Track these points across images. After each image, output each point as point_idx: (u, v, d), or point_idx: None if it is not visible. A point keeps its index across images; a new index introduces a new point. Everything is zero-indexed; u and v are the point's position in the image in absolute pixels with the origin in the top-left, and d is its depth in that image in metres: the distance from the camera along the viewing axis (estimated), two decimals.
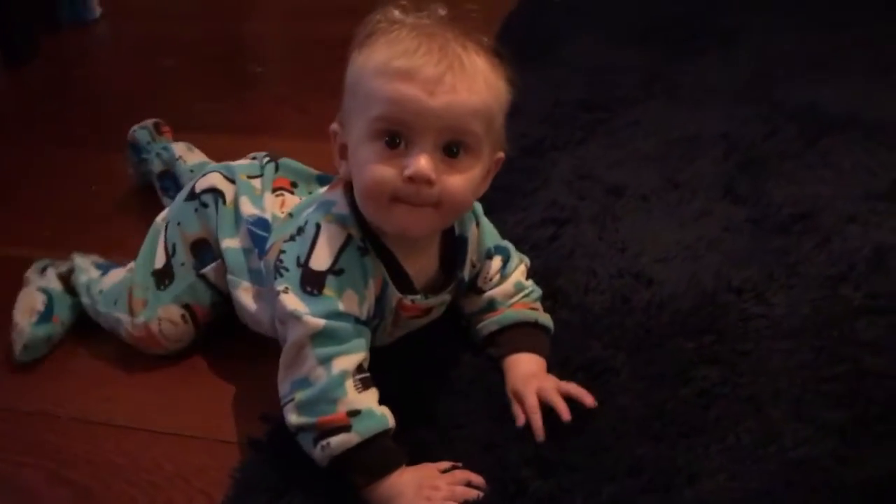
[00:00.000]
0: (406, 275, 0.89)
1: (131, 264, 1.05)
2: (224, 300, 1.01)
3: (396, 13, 0.84)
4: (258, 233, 0.96)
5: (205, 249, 1.00)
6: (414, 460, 0.84)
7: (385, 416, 0.83)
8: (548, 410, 0.87)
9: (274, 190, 1.02)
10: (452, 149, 0.80)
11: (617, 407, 0.91)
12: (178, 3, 2.24)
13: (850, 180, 1.27)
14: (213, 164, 1.09)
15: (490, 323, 0.97)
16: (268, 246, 0.93)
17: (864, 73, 1.58)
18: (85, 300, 1.06)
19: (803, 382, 0.92)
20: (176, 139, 1.32)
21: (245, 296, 0.97)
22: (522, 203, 1.24)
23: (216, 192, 1.01)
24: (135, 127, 1.31)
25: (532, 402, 0.88)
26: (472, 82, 0.80)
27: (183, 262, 1.01)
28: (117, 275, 1.06)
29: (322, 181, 1.04)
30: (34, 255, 1.16)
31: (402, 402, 0.89)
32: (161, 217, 1.06)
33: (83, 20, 2.07)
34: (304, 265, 0.84)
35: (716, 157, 1.34)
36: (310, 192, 1.03)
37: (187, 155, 1.24)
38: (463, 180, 0.81)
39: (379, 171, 0.80)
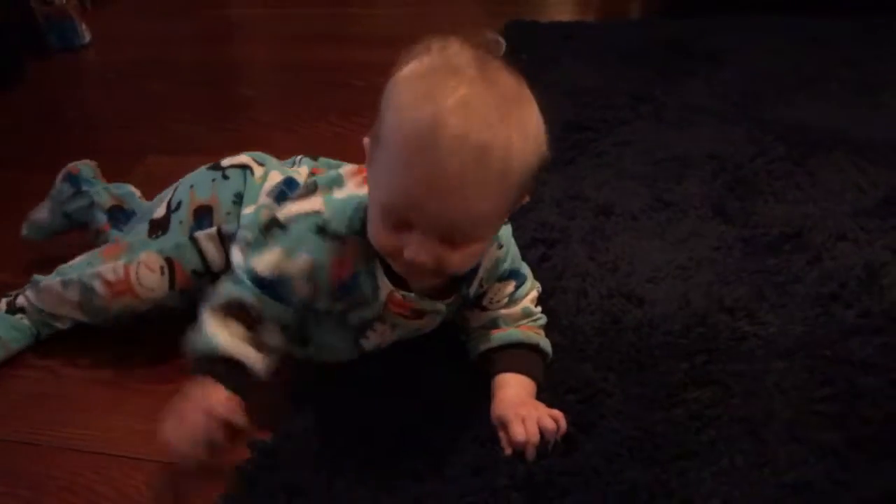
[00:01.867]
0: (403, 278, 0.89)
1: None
2: (206, 272, 1.00)
3: (453, 48, 0.79)
4: (286, 192, 0.98)
5: (206, 216, 1.01)
6: (403, 486, 0.84)
7: (213, 343, 0.85)
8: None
9: (315, 159, 1.05)
10: (454, 238, 0.79)
11: (608, 429, 0.89)
12: (166, 28, 2.24)
13: (840, 198, 1.27)
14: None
15: (492, 339, 0.96)
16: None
17: (850, 93, 1.59)
18: (44, 282, 1.05)
19: (797, 403, 0.91)
20: (166, 163, 1.31)
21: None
22: (512, 224, 1.22)
23: (245, 168, 1.03)
24: (75, 163, 1.26)
25: (517, 430, 0.86)
26: (498, 184, 0.76)
27: (181, 221, 1.01)
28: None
29: None
30: (18, 281, 1.14)
31: (390, 427, 0.88)
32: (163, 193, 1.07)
33: (72, 46, 2.07)
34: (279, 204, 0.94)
35: (704, 177, 1.34)
36: None
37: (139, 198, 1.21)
38: (464, 256, 0.81)
39: (384, 240, 0.82)
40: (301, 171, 1.03)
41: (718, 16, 1.90)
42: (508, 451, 0.87)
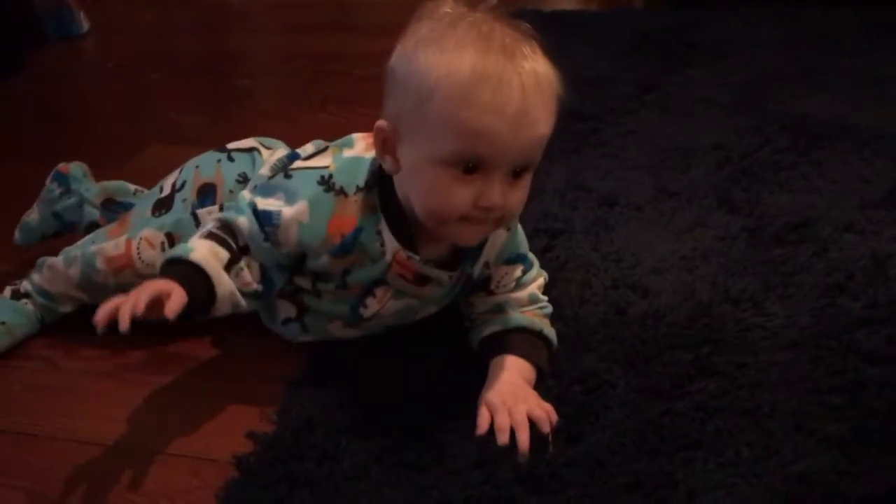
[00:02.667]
0: (409, 232, 0.89)
1: None
2: None
3: (450, 7, 0.84)
4: (288, 163, 0.98)
5: (209, 194, 1.02)
6: (406, 478, 0.83)
7: (189, 248, 0.87)
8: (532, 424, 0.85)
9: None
10: (518, 171, 0.83)
11: (613, 421, 0.89)
12: (165, 17, 2.23)
13: (845, 189, 1.26)
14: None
15: (495, 322, 0.95)
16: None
17: (855, 83, 1.58)
18: (50, 261, 1.06)
19: (803, 394, 0.91)
20: (165, 153, 1.30)
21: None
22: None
23: (252, 150, 1.05)
24: (65, 163, 1.23)
25: (502, 420, 0.83)
26: (549, 106, 0.82)
27: (185, 199, 1.02)
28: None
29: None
30: (16, 271, 1.14)
31: (392, 419, 0.88)
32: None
33: (70, 35, 2.06)
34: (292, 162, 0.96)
35: (709, 168, 1.33)
36: None
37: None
38: (523, 195, 0.86)
39: (454, 197, 0.82)
40: (307, 147, 1.03)
41: (723, 6, 1.90)
42: (482, 429, 0.83)
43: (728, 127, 1.44)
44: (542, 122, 0.81)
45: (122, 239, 1.01)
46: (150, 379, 1.01)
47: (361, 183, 0.89)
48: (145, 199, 1.08)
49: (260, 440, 0.89)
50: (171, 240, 1.00)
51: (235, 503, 0.83)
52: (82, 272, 1.03)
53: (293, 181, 0.91)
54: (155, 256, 0.99)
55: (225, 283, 0.87)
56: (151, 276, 0.94)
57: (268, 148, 1.06)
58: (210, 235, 0.89)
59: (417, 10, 0.84)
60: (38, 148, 1.59)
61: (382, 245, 0.89)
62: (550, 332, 0.96)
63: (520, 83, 0.78)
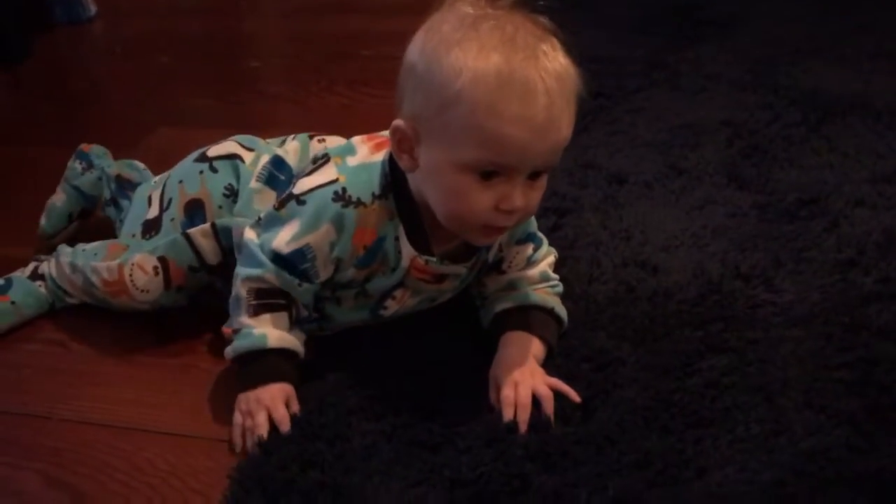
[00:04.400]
0: (426, 238, 0.89)
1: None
2: (202, 267, 0.99)
3: (471, 6, 0.82)
4: (275, 173, 0.98)
5: (197, 211, 1.00)
6: (417, 456, 0.83)
7: (264, 336, 0.88)
8: (538, 402, 0.86)
9: (312, 137, 1.02)
10: (537, 173, 0.82)
11: (623, 399, 0.89)
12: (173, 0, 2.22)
13: (857, 164, 1.25)
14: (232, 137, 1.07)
15: (507, 299, 0.95)
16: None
17: (867, 58, 1.56)
18: (63, 259, 1.06)
19: (814, 370, 0.90)
20: (174, 136, 1.30)
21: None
22: None
23: (233, 158, 1.01)
24: (87, 144, 1.26)
25: (508, 394, 0.86)
26: (571, 108, 0.80)
27: (173, 218, 1.01)
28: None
29: None
30: (30, 255, 1.14)
31: (403, 398, 0.88)
32: (158, 178, 1.07)
33: (78, 19, 2.06)
34: (293, 183, 0.91)
35: (719, 144, 1.32)
36: None
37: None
38: (540, 195, 0.85)
39: (474, 203, 0.81)
40: (290, 147, 1.01)
41: None
42: (509, 414, 0.85)
43: (738, 103, 1.43)
44: (565, 126, 0.80)
45: (115, 264, 0.99)
46: (162, 361, 1.01)
47: (377, 190, 0.87)
48: (135, 216, 1.05)
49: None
50: (165, 264, 0.98)
51: (248, 483, 0.83)
52: (83, 284, 1.03)
53: (308, 206, 0.88)
54: (148, 282, 0.99)
55: (300, 338, 0.90)
56: (147, 302, 1.00)
57: (249, 149, 1.02)
58: (260, 308, 0.89)
59: (437, 2, 0.83)
60: (48, 132, 1.59)
61: (399, 252, 0.89)
62: (562, 311, 0.96)
63: (545, 89, 0.77)
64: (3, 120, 1.68)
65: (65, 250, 1.07)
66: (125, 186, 1.16)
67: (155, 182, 1.08)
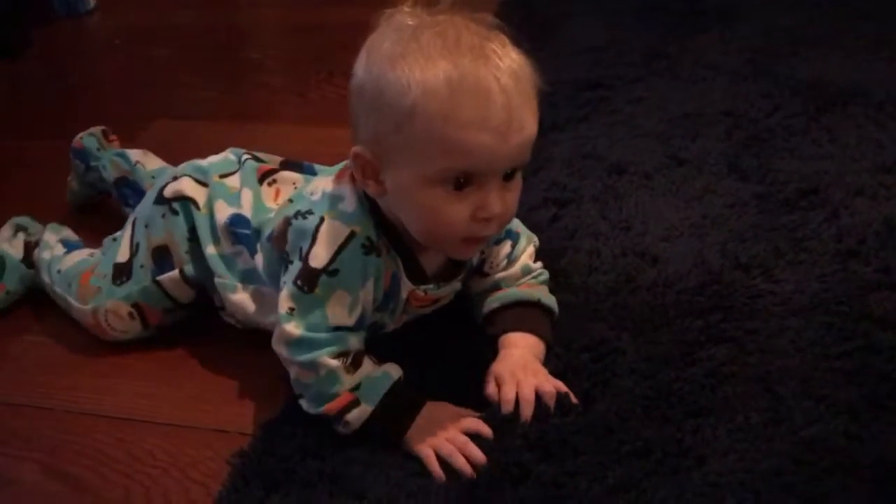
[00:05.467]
0: (421, 267, 0.87)
1: (94, 250, 1.06)
2: (177, 307, 1.00)
3: (408, 16, 0.80)
4: (241, 231, 0.94)
5: (165, 257, 0.98)
6: None
7: (387, 373, 0.84)
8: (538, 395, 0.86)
9: (262, 178, 0.98)
10: (510, 173, 0.81)
11: (622, 388, 0.88)
12: None
13: (857, 154, 1.24)
14: (183, 165, 1.04)
15: (492, 300, 0.94)
16: (269, 233, 0.90)
17: (868, 47, 1.55)
18: (44, 278, 1.06)
19: (813, 360, 0.90)
20: (174, 128, 1.30)
21: (242, 298, 0.94)
22: (523, 184, 1.21)
23: (187, 200, 0.98)
24: (81, 134, 1.24)
25: (508, 391, 0.85)
26: (532, 103, 0.78)
27: (142, 265, 0.99)
28: (78, 256, 1.06)
29: (309, 171, 1.00)
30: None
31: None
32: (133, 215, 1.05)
33: (77, 12, 2.05)
34: (304, 258, 0.83)
35: (719, 134, 1.32)
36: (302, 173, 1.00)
37: (145, 160, 1.18)
38: (517, 194, 0.83)
39: (450, 215, 0.79)
40: (245, 197, 0.96)
41: None
42: (508, 407, 0.85)
43: (738, 93, 1.43)
44: (529, 122, 0.78)
45: (88, 310, 1.00)
46: (161, 352, 1.01)
47: (378, 225, 0.84)
48: (108, 257, 1.03)
49: (271, 411, 0.89)
50: (140, 308, 0.99)
51: (247, 473, 0.83)
52: (65, 306, 1.04)
53: (344, 272, 0.83)
54: (125, 325, 1.00)
55: (396, 369, 0.87)
56: (127, 338, 1.00)
57: (202, 184, 0.99)
58: (352, 365, 0.83)
59: (373, 21, 0.81)
60: (47, 125, 1.59)
61: (398, 286, 0.87)
62: (549, 300, 0.95)
63: (499, 88, 0.75)
64: (2, 112, 1.68)
65: (43, 262, 1.07)
66: (126, 195, 1.16)
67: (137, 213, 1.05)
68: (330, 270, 0.82)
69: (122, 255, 1.01)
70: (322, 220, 0.84)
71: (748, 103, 1.39)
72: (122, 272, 1.00)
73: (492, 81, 0.75)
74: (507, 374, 0.87)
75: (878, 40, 1.56)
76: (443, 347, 0.96)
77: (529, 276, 0.96)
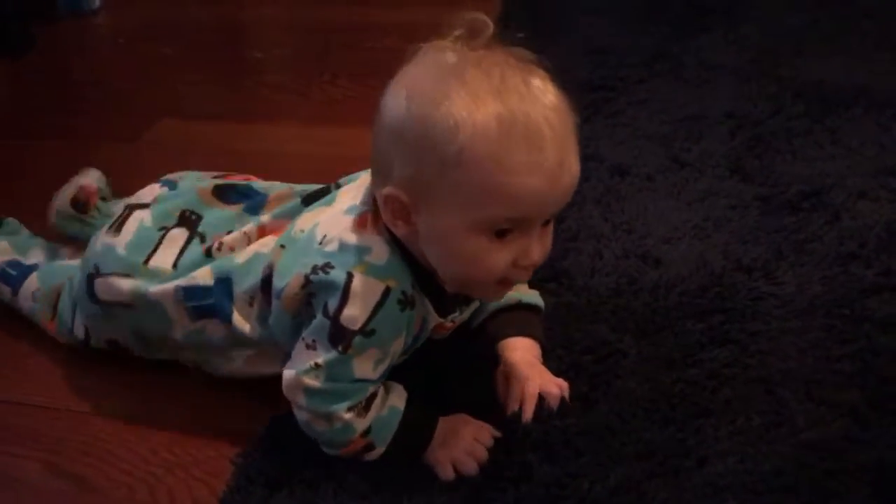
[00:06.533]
0: (450, 301, 0.84)
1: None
2: None
3: (448, 51, 0.74)
4: (202, 304, 0.88)
5: (119, 345, 0.96)
6: None
7: (394, 408, 0.82)
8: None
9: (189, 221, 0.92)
10: (556, 213, 0.77)
11: (624, 390, 0.89)
12: None
13: (860, 156, 1.24)
14: (97, 251, 0.95)
15: (477, 312, 0.93)
16: (279, 291, 0.82)
17: (873, 48, 1.55)
18: (26, 302, 1.04)
19: (815, 362, 0.90)
20: (177, 127, 1.27)
21: (232, 369, 0.91)
22: None
23: (122, 307, 0.92)
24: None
25: (516, 390, 0.84)
26: (575, 141, 0.74)
27: (99, 348, 0.98)
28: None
29: (307, 201, 0.89)
30: None
31: (406, 387, 0.88)
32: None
33: (82, 10, 2.05)
34: (333, 317, 0.77)
35: (722, 136, 1.32)
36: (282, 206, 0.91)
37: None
38: (551, 239, 0.79)
39: (492, 265, 0.74)
40: (199, 274, 0.88)
41: None
42: (515, 406, 0.84)
43: (741, 94, 1.43)
44: (575, 163, 0.74)
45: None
46: None
47: (409, 271, 0.79)
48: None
49: (275, 410, 0.90)
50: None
51: (251, 472, 0.84)
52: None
53: (381, 331, 0.78)
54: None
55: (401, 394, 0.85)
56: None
57: (126, 276, 0.91)
58: (365, 407, 0.80)
59: (409, 55, 0.75)
60: (52, 124, 1.59)
61: (426, 326, 0.85)
62: (530, 297, 0.93)
63: (549, 128, 0.71)
64: (6, 111, 1.69)
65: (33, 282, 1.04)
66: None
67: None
68: (367, 332, 0.77)
69: (79, 333, 0.98)
70: (350, 275, 0.77)
71: (751, 105, 1.40)
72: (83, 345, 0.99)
73: (542, 122, 0.71)
74: (514, 372, 0.87)
75: (882, 42, 1.57)
76: (444, 354, 0.96)
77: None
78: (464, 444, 0.82)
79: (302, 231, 0.83)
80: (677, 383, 0.89)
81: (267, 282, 0.84)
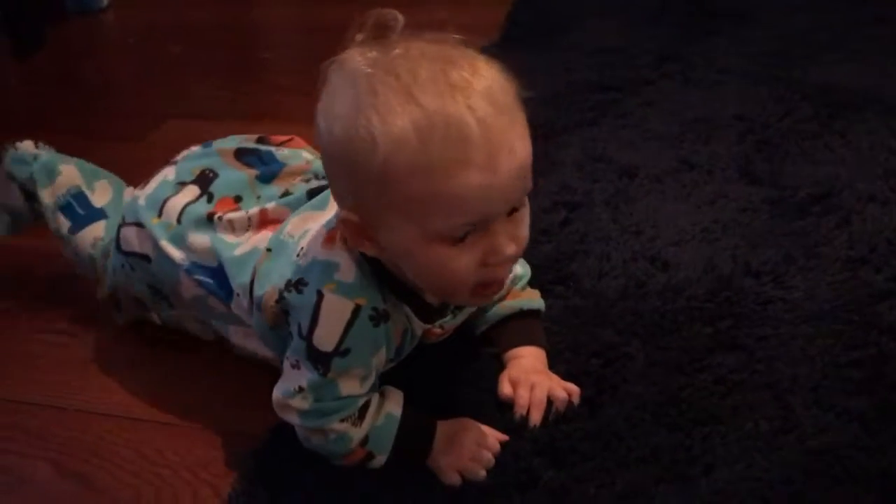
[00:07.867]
0: (431, 307, 0.83)
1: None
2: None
3: (359, 61, 0.70)
4: (204, 280, 0.89)
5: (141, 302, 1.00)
6: None
7: (390, 415, 0.82)
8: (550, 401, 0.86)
9: (201, 181, 0.93)
10: (520, 200, 0.73)
11: (631, 394, 0.88)
12: None
13: (870, 160, 1.24)
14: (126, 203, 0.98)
15: (479, 322, 0.93)
16: (258, 299, 0.83)
17: (882, 51, 1.54)
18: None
19: (823, 368, 0.90)
20: (185, 127, 1.27)
21: (234, 335, 0.93)
22: (533, 187, 1.21)
23: (137, 257, 0.95)
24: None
25: (522, 394, 0.85)
26: (517, 122, 0.69)
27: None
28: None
29: (311, 194, 0.88)
30: (42, 245, 1.14)
31: (409, 394, 0.88)
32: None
33: (90, 9, 2.06)
34: (306, 338, 0.77)
35: (731, 139, 1.31)
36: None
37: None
38: (526, 226, 0.75)
39: (459, 270, 0.71)
40: (201, 250, 0.90)
41: None
42: (522, 411, 0.85)
43: (751, 97, 1.42)
44: (518, 143, 0.69)
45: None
46: (173, 354, 1.02)
47: (383, 287, 0.78)
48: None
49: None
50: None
51: (256, 475, 0.84)
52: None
53: (356, 349, 0.77)
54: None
55: (398, 398, 0.85)
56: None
57: (141, 227, 0.94)
58: (360, 416, 0.80)
59: (322, 75, 0.73)
60: (60, 122, 1.59)
61: (411, 335, 0.84)
62: (531, 303, 0.93)
63: (475, 118, 0.66)
64: (15, 110, 1.69)
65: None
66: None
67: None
68: (341, 352, 0.77)
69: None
70: (320, 295, 0.76)
71: (760, 107, 1.39)
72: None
73: (464, 112, 0.66)
74: (523, 379, 0.87)
75: (892, 46, 1.55)
76: (444, 357, 0.96)
77: (517, 286, 0.94)
78: (468, 450, 0.82)
79: (291, 236, 0.83)
80: (685, 388, 0.89)
81: (253, 285, 0.84)
